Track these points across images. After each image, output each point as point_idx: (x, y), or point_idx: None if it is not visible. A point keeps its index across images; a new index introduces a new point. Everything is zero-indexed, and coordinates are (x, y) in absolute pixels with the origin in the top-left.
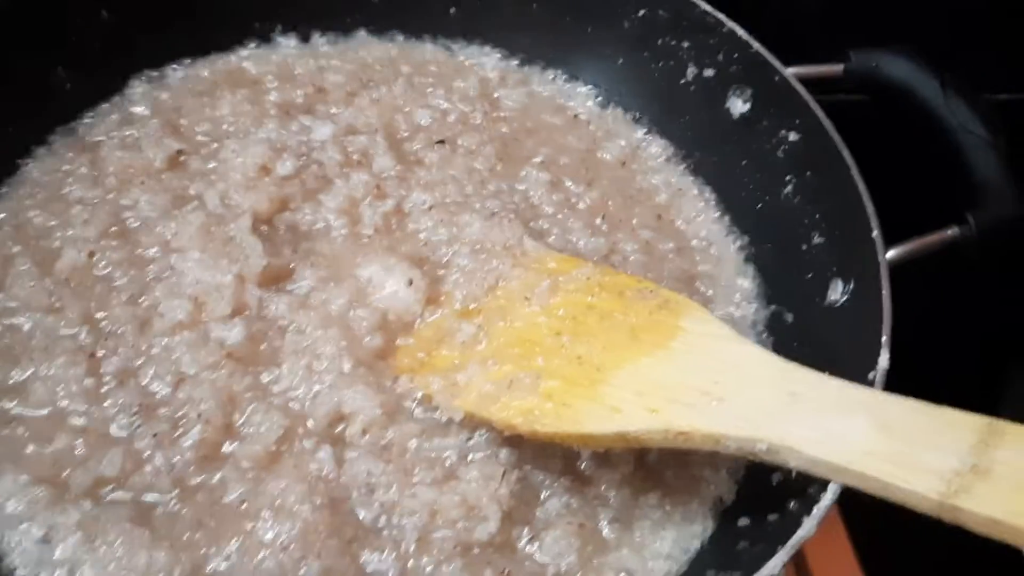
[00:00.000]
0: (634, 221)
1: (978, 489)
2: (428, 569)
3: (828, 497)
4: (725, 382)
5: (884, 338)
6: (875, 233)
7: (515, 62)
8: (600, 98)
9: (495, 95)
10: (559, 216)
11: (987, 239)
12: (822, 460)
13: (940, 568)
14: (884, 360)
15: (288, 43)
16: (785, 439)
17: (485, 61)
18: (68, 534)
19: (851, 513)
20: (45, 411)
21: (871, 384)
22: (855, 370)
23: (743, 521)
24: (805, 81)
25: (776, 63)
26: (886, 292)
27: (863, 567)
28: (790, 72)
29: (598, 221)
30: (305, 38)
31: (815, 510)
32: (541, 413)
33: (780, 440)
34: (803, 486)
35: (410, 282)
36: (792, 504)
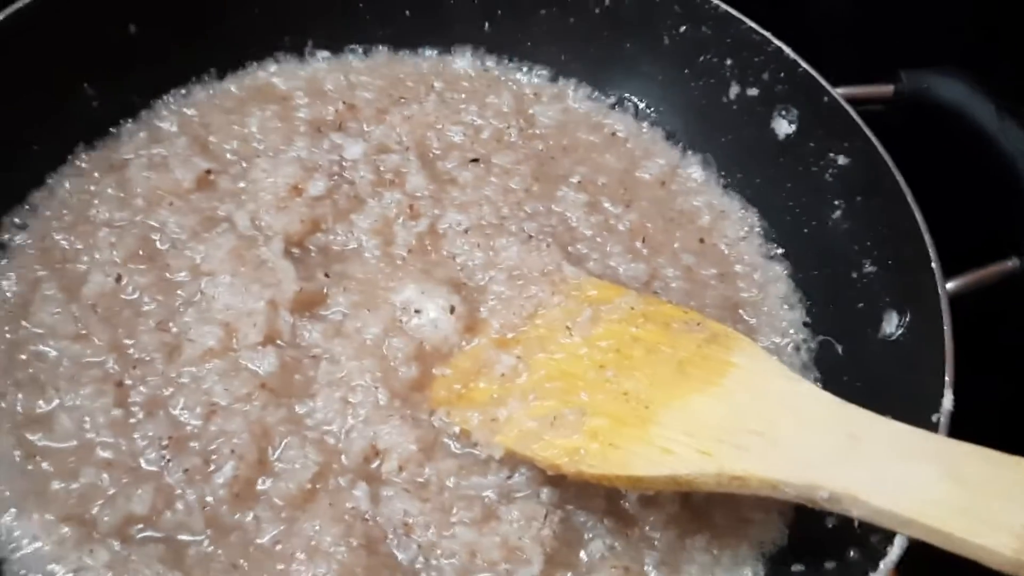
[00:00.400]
0: (675, 245)
1: None
2: None
3: (895, 551)
4: (781, 423)
5: (948, 378)
6: (934, 264)
7: (551, 77)
8: (639, 116)
9: (530, 111)
10: (598, 239)
11: None
12: (888, 511)
13: None
14: (948, 401)
15: (318, 58)
16: (848, 487)
17: (520, 76)
18: None
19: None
20: (72, 443)
21: (935, 427)
22: (915, 410)
23: (797, 567)
24: (854, 101)
25: (824, 83)
26: (947, 327)
27: None
28: (839, 92)
29: (638, 244)
30: (336, 53)
31: (882, 565)
32: (587, 453)
33: (843, 488)
34: (863, 533)
35: (452, 309)
36: (852, 553)
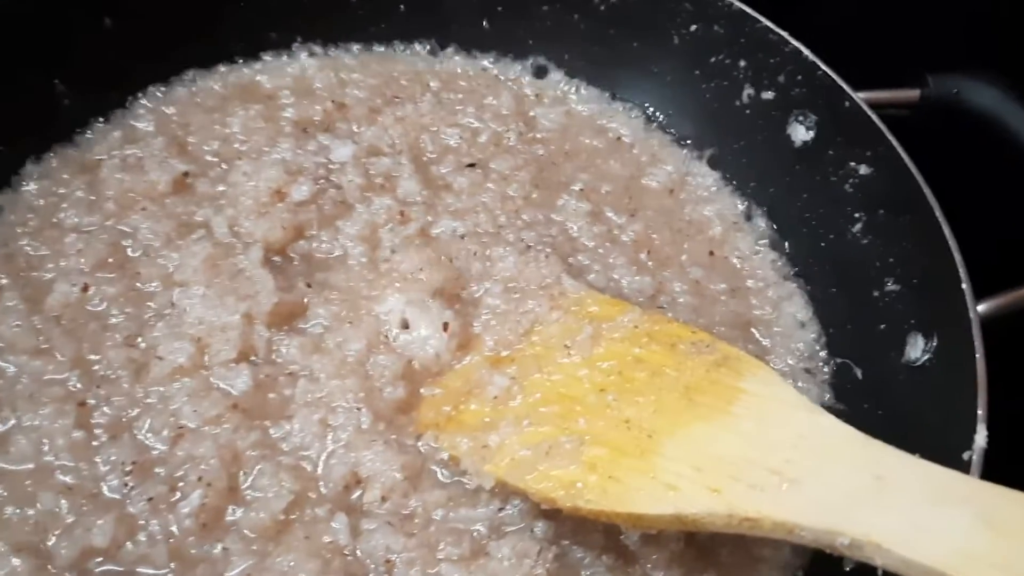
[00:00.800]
0: (683, 257)
1: None
2: None
3: None
4: (798, 460)
5: (980, 411)
6: (964, 284)
7: (553, 78)
8: (645, 119)
9: (530, 113)
10: (600, 250)
11: None
12: (916, 562)
13: None
14: (982, 438)
15: (307, 55)
16: (871, 534)
17: (520, 76)
18: None
19: None
20: (28, 466)
21: (966, 466)
22: (944, 446)
23: None
24: (877, 107)
25: (845, 86)
26: (980, 354)
27: None
28: (861, 97)
29: (643, 256)
30: (326, 50)
31: None
32: (585, 487)
33: (865, 535)
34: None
35: (445, 326)
36: None
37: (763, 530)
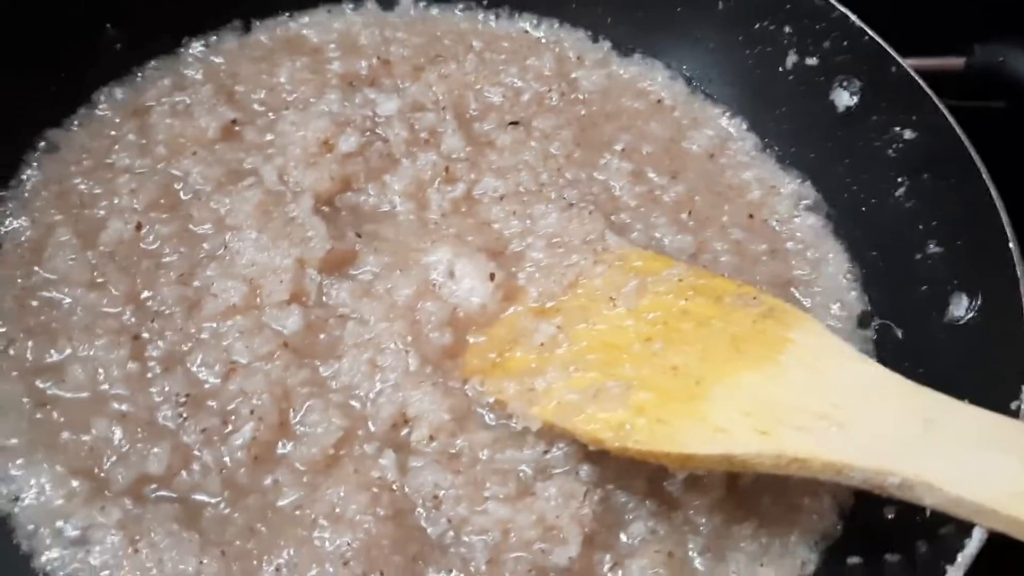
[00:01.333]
0: (724, 219)
1: None
2: None
3: (974, 544)
4: (846, 405)
5: None
6: (1011, 244)
7: (595, 41)
8: (687, 84)
9: (572, 75)
10: (642, 209)
11: None
12: (967, 500)
13: None
14: None
15: (352, 11)
16: (922, 474)
17: (563, 38)
18: (107, 534)
19: None
20: (84, 395)
21: (1014, 415)
22: (989, 398)
23: (853, 560)
24: (921, 75)
25: (893, 52)
26: None
27: None
28: (908, 63)
29: (684, 217)
30: (372, 4)
31: (960, 558)
32: (633, 428)
33: (916, 475)
34: (934, 527)
35: (492, 276)
36: (921, 547)
37: (812, 471)
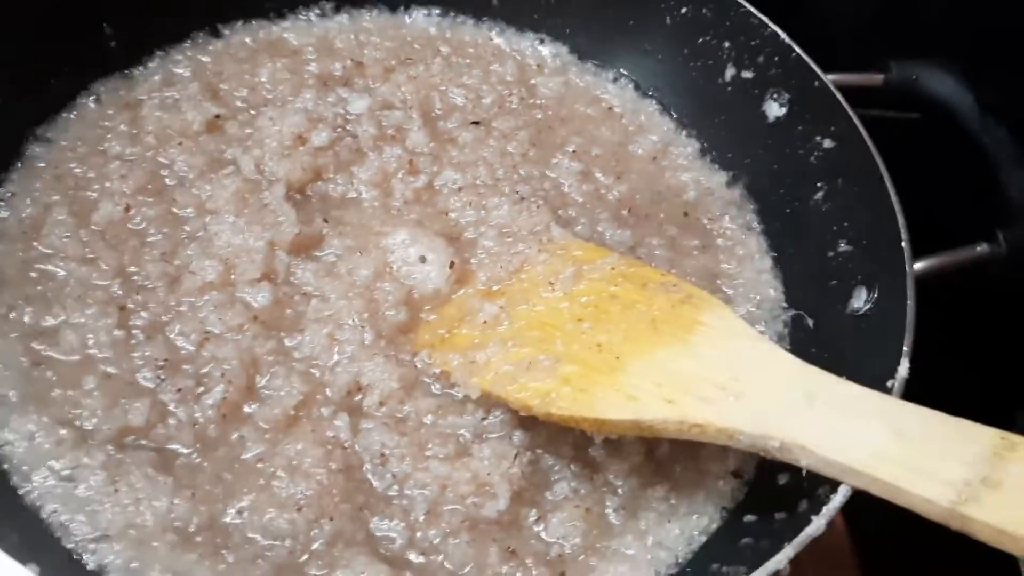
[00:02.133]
0: (661, 216)
1: (988, 499)
2: (436, 540)
3: (838, 498)
4: (743, 379)
5: (905, 347)
6: (904, 243)
7: (553, 50)
8: (636, 92)
9: (531, 81)
10: (587, 206)
11: (1016, 257)
12: (834, 461)
13: None
14: (904, 369)
15: (330, 17)
16: (798, 438)
17: (524, 47)
18: (91, 474)
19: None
20: (75, 358)
21: (889, 392)
22: (874, 378)
23: (750, 518)
24: (843, 89)
25: (816, 68)
26: (911, 302)
27: None
28: (830, 79)
29: (625, 213)
30: (348, 12)
31: (824, 509)
32: (558, 396)
33: (793, 439)
34: (813, 488)
35: (451, 264)
36: (802, 505)
37: (708, 436)
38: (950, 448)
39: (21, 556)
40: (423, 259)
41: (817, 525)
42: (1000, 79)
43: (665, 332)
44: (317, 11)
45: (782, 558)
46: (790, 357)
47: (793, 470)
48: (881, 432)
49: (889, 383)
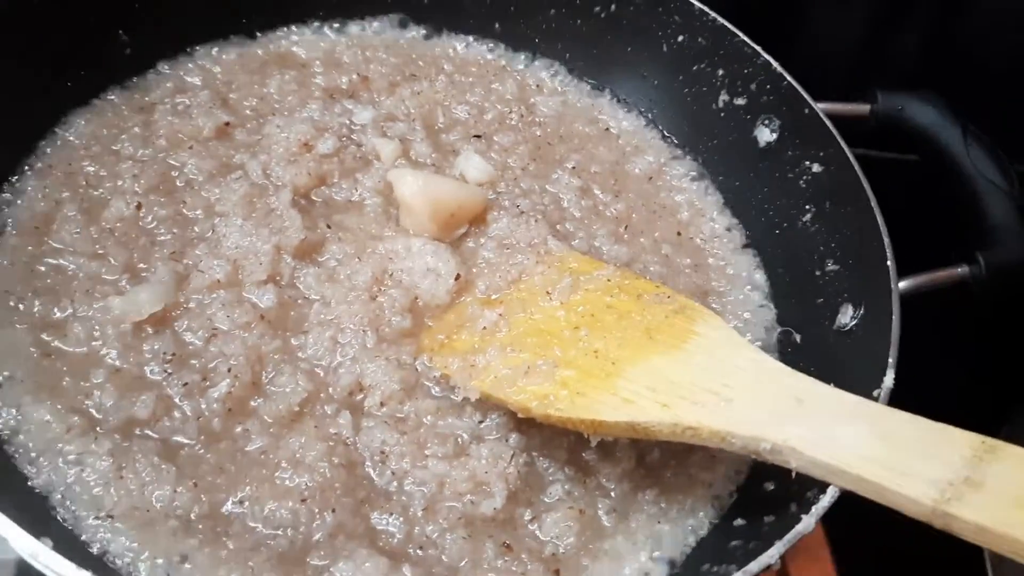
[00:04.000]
0: (656, 234)
1: (970, 499)
2: (434, 535)
3: (827, 498)
4: (734, 385)
5: (891, 360)
6: (889, 262)
7: (552, 72)
8: (632, 114)
9: (531, 100)
10: (585, 221)
11: (996, 279)
12: (821, 462)
13: None
14: (889, 379)
15: (338, 32)
16: (788, 440)
17: (525, 68)
18: (98, 460)
19: (838, 541)
20: (83, 350)
21: (874, 400)
22: (860, 388)
23: (739, 522)
24: (832, 117)
25: (806, 96)
26: (896, 317)
27: None
28: (819, 107)
29: (621, 230)
30: (355, 28)
31: (814, 509)
32: (556, 399)
33: (783, 441)
34: (802, 492)
35: (457, 276)
36: (792, 507)
37: (701, 438)
38: (933, 450)
39: (35, 531)
40: (430, 268)
41: (807, 523)
42: (981, 110)
43: (659, 340)
44: (324, 24)
45: (773, 553)
46: (779, 365)
47: (780, 477)
48: (867, 435)
49: (875, 392)
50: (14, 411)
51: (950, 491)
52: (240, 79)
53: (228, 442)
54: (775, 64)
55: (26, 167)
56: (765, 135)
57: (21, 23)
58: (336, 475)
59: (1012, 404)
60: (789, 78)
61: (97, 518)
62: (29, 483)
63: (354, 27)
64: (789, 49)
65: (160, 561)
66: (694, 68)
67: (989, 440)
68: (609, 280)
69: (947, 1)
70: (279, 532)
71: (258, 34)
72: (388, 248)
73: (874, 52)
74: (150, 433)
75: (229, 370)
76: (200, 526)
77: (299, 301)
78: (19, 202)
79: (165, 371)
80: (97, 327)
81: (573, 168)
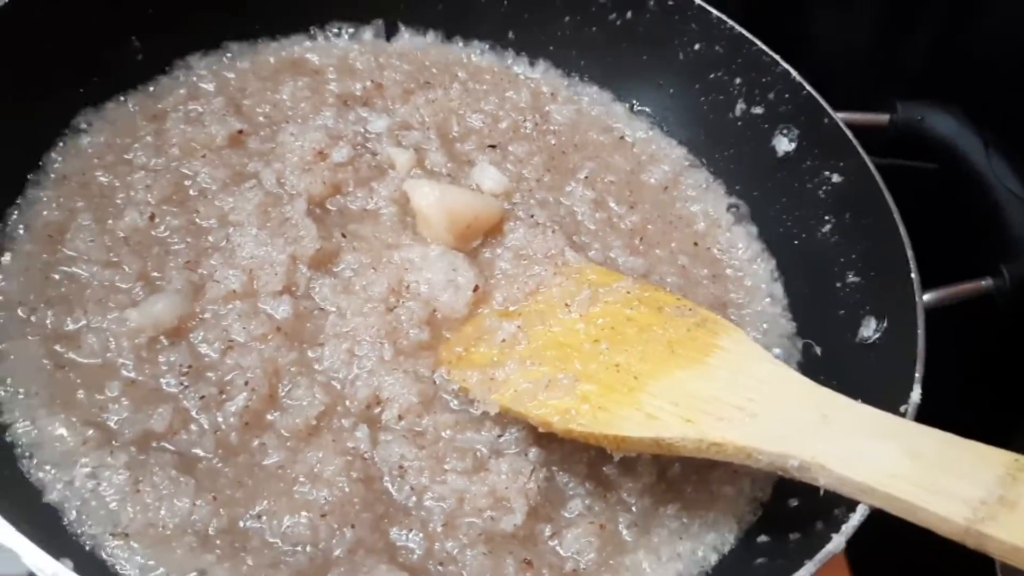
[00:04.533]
0: (672, 245)
1: (1004, 518)
2: (454, 552)
3: (857, 516)
4: (760, 400)
5: (917, 374)
6: (913, 275)
7: (567, 80)
8: (648, 123)
9: (546, 108)
10: (600, 233)
11: (1020, 292)
12: (851, 479)
13: None
14: (916, 395)
15: (351, 38)
16: (816, 457)
17: (540, 76)
18: (115, 473)
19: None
20: (97, 361)
21: (902, 416)
22: (885, 404)
23: (762, 538)
24: (851, 127)
25: (826, 105)
26: (921, 331)
27: None
28: (839, 117)
29: (637, 242)
30: (369, 34)
31: (843, 527)
32: (578, 413)
33: (811, 458)
34: (829, 509)
35: (476, 287)
36: (818, 525)
37: (727, 455)
38: (965, 469)
39: (53, 551)
40: (448, 279)
41: (837, 543)
42: (1002, 120)
43: (681, 354)
44: (337, 31)
45: (803, 573)
46: (804, 379)
47: (804, 493)
48: (897, 452)
49: (902, 408)
50: (28, 424)
51: (983, 510)
52: (253, 85)
53: (245, 456)
54: (794, 73)
55: (39, 177)
56: (783, 145)
57: (34, 30)
58: (355, 490)
59: None
60: (808, 87)
61: (112, 534)
62: (41, 497)
63: (367, 33)
64: (796, 54)
65: None
66: (711, 76)
67: (1022, 458)
68: (628, 292)
69: (956, 4)
70: (298, 548)
71: (271, 40)
72: (404, 257)
73: (883, 56)
74: (167, 446)
75: (246, 383)
76: (218, 541)
77: (315, 312)
78: (33, 211)
79: (181, 383)
80: (111, 338)
81: (587, 178)
